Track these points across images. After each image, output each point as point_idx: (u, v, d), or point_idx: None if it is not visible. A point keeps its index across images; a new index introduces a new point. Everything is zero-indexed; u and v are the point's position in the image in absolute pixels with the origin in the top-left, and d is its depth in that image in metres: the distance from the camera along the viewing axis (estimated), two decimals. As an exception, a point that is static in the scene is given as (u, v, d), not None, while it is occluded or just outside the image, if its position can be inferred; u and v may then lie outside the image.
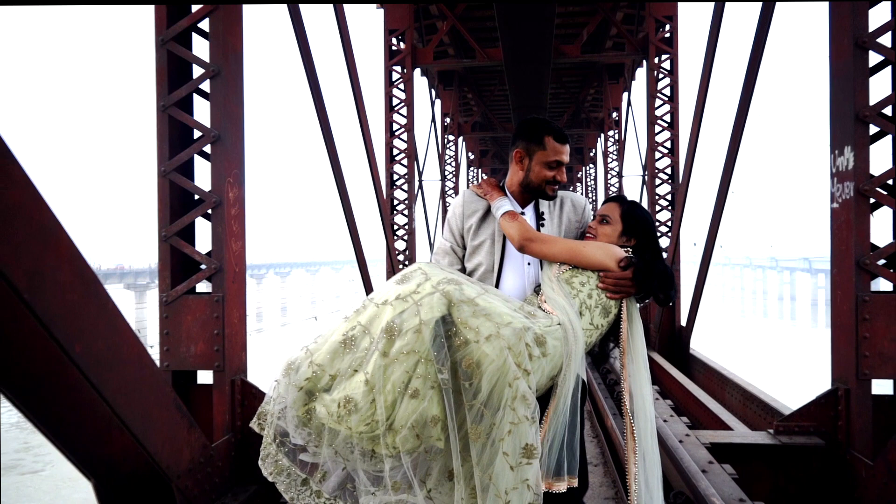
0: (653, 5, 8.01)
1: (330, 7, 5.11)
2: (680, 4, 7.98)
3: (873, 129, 2.89)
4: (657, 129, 8.06)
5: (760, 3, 3.84)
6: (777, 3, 3.78)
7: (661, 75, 8.06)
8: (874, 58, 2.90)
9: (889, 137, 2.90)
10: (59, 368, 2.19)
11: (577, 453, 1.86)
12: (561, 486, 1.81)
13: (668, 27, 7.94)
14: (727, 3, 4.97)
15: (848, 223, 2.89)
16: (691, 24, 11.35)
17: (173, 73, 3.13)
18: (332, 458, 1.77)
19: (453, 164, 17.01)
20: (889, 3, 2.94)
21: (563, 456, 1.81)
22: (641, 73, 9.86)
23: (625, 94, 12.13)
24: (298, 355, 1.84)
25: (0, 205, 1.73)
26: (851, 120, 2.86)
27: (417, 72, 9.12)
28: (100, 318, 2.09)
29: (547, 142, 2.04)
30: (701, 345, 7.08)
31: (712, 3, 5.10)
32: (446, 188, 15.24)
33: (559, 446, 1.81)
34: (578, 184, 25.43)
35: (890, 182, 2.90)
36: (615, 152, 15.27)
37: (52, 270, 1.90)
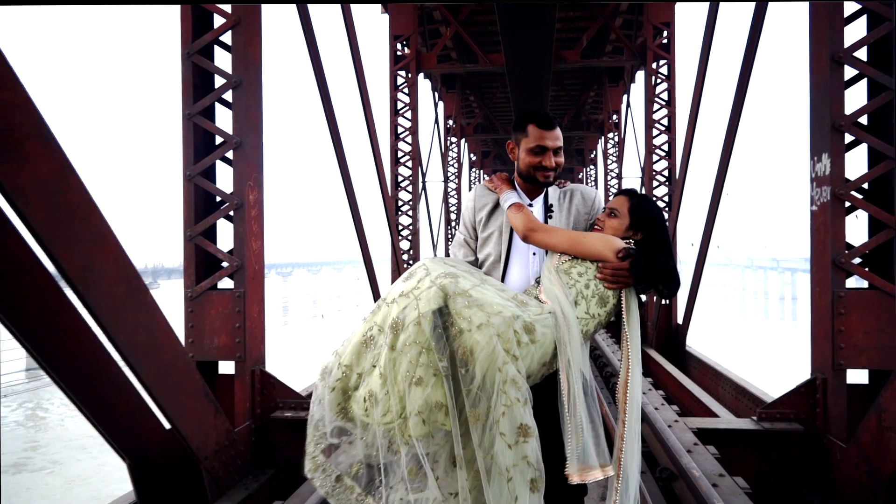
0: (650, 12, 8.17)
1: (337, 18, 5.30)
2: (677, 12, 8.16)
3: (849, 138, 3.07)
4: (655, 132, 8.23)
5: (754, 3, 3.98)
6: (770, 3, 3.93)
7: (658, 80, 8.24)
8: (850, 71, 3.10)
9: (864, 145, 3.11)
10: (101, 358, 2.41)
11: (603, 437, 1.88)
12: (596, 475, 1.84)
13: (665, 33, 8.13)
14: (721, 4, 5.12)
15: (825, 225, 3.08)
16: (688, 30, 11.54)
17: (198, 83, 3.34)
18: (363, 454, 1.89)
19: (455, 165, 17.22)
20: (865, 19, 3.15)
21: (589, 443, 1.85)
22: (641, 76, 10.03)
23: (624, 97, 12.30)
24: (330, 360, 1.98)
25: (59, 207, 1.94)
26: (829, 129, 3.04)
27: (421, 75, 9.31)
28: (141, 310, 2.30)
29: (530, 129, 2.09)
30: (702, 345, 7.22)
31: (707, 4, 5.26)
32: (449, 189, 15.45)
33: (584, 432, 1.85)
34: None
35: (865, 186, 3.11)
36: (615, 154, 15.42)
37: (102, 266, 2.10)
